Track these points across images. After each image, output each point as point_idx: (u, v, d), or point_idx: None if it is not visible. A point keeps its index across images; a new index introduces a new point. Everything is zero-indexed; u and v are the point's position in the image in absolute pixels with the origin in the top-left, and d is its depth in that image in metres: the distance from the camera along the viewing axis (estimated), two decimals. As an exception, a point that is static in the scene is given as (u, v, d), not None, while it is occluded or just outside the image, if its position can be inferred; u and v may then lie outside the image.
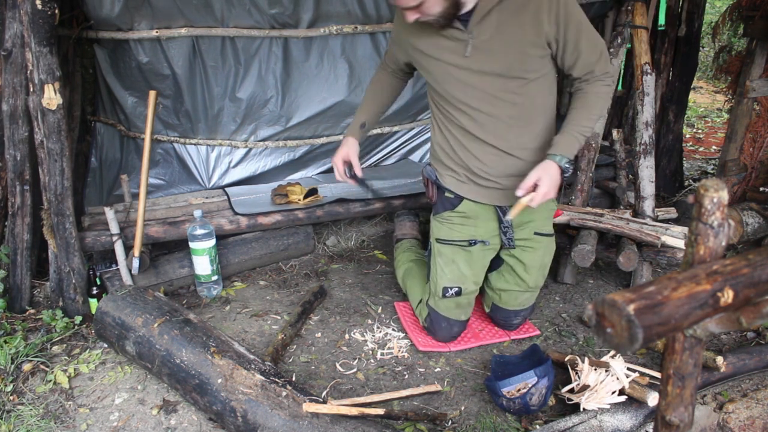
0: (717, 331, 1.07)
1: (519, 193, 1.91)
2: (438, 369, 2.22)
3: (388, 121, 3.44)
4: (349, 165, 2.26)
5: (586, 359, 2.02)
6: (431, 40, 1.97)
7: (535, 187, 1.89)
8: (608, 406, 1.86)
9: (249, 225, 2.89)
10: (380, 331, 2.44)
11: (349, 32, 2.98)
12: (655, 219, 2.79)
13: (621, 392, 1.89)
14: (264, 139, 3.24)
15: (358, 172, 2.25)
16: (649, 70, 2.87)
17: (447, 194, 2.22)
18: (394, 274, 2.77)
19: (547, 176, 1.88)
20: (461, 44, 1.92)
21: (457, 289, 2.24)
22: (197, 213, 2.60)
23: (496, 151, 2.07)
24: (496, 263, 2.34)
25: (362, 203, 3.09)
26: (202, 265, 2.62)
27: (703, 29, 3.80)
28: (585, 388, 1.92)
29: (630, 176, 3.22)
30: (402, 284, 2.64)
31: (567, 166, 1.93)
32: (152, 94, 2.54)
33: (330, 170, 3.52)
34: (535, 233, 2.24)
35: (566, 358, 2.10)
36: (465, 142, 2.09)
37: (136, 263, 2.49)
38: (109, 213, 2.48)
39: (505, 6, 1.86)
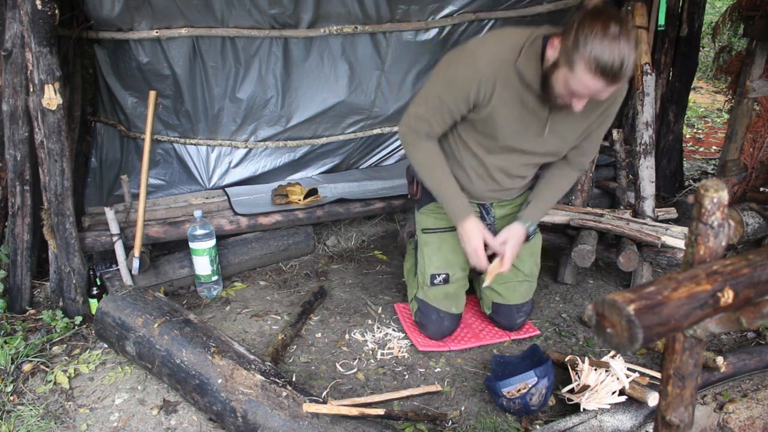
0: (717, 331, 1.07)
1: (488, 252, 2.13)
2: (438, 369, 2.22)
3: (388, 122, 3.44)
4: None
5: (586, 359, 2.02)
6: (514, 111, 1.91)
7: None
8: (608, 407, 1.86)
9: (249, 225, 2.89)
10: (380, 332, 2.44)
11: (350, 32, 2.98)
12: (655, 219, 2.78)
13: (621, 392, 1.89)
14: (264, 140, 3.24)
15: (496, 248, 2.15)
16: (649, 70, 2.86)
17: None
18: (398, 272, 2.77)
19: (515, 238, 2.13)
20: (540, 123, 1.94)
21: (444, 275, 2.25)
22: (197, 213, 2.60)
23: (491, 182, 2.19)
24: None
25: (362, 203, 3.10)
26: (202, 266, 2.62)
27: (703, 29, 3.80)
28: (585, 388, 1.92)
29: (630, 176, 3.22)
30: (406, 279, 2.64)
31: (532, 229, 2.21)
32: (152, 94, 2.54)
33: (330, 170, 3.52)
34: None
35: (566, 358, 2.10)
36: (465, 162, 2.14)
37: (136, 263, 2.49)
38: (109, 213, 2.48)
39: None
